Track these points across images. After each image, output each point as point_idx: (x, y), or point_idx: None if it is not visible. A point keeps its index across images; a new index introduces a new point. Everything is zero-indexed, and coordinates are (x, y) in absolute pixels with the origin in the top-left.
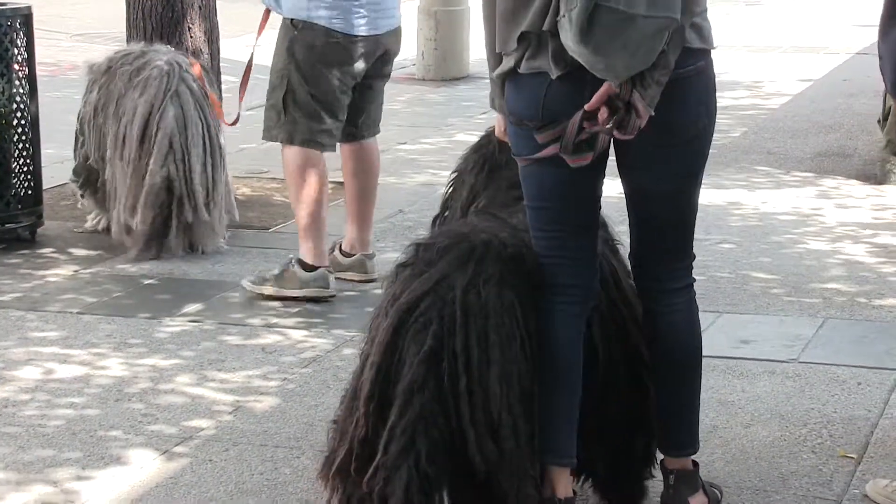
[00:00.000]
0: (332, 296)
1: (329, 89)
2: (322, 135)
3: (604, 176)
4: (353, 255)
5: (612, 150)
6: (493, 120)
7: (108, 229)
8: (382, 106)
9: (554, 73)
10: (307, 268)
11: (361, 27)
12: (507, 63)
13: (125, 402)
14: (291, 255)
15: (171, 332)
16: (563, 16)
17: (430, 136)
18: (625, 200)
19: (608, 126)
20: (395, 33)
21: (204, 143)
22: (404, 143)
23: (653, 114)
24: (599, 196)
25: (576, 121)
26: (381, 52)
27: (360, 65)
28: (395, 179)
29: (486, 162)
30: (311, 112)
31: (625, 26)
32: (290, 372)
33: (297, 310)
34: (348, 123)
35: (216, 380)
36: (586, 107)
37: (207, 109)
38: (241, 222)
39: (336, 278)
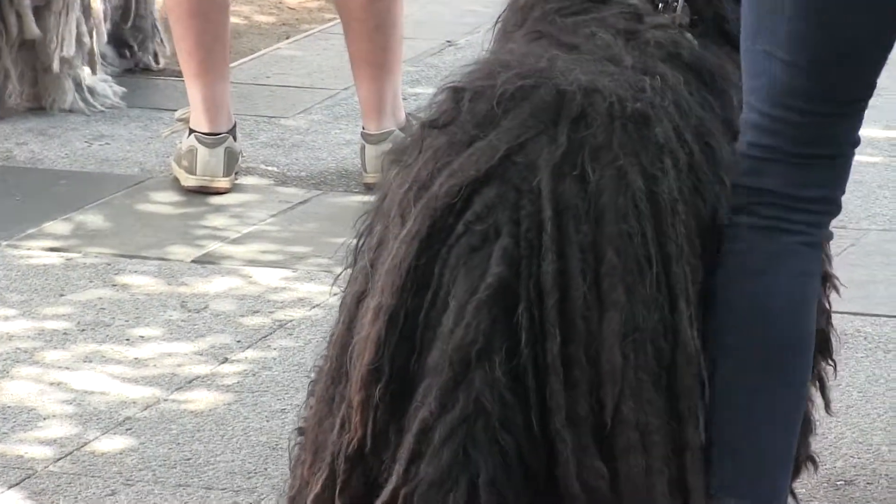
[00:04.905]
0: (227, 189)
1: None
2: None
3: None
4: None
5: None
6: None
7: None
8: None
9: None
10: (199, 137)
11: None
12: None
13: None
14: (183, 111)
15: (16, 268)
16: None
17: None
18: None
19: None
20: None
21: None
22: None
23: None
24: None
25: None
26: None
27: None
28: None
29: None
30: None
31: None
32: (243, 345)
33: (252, 228)
34: None
35: (97, 360)
36: None
37: None
38: (163, 66)
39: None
